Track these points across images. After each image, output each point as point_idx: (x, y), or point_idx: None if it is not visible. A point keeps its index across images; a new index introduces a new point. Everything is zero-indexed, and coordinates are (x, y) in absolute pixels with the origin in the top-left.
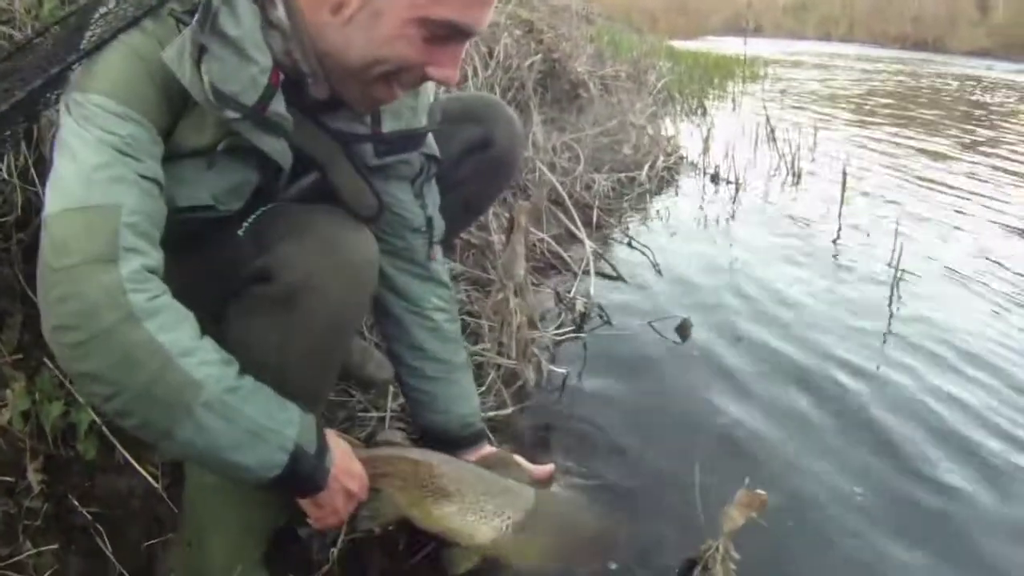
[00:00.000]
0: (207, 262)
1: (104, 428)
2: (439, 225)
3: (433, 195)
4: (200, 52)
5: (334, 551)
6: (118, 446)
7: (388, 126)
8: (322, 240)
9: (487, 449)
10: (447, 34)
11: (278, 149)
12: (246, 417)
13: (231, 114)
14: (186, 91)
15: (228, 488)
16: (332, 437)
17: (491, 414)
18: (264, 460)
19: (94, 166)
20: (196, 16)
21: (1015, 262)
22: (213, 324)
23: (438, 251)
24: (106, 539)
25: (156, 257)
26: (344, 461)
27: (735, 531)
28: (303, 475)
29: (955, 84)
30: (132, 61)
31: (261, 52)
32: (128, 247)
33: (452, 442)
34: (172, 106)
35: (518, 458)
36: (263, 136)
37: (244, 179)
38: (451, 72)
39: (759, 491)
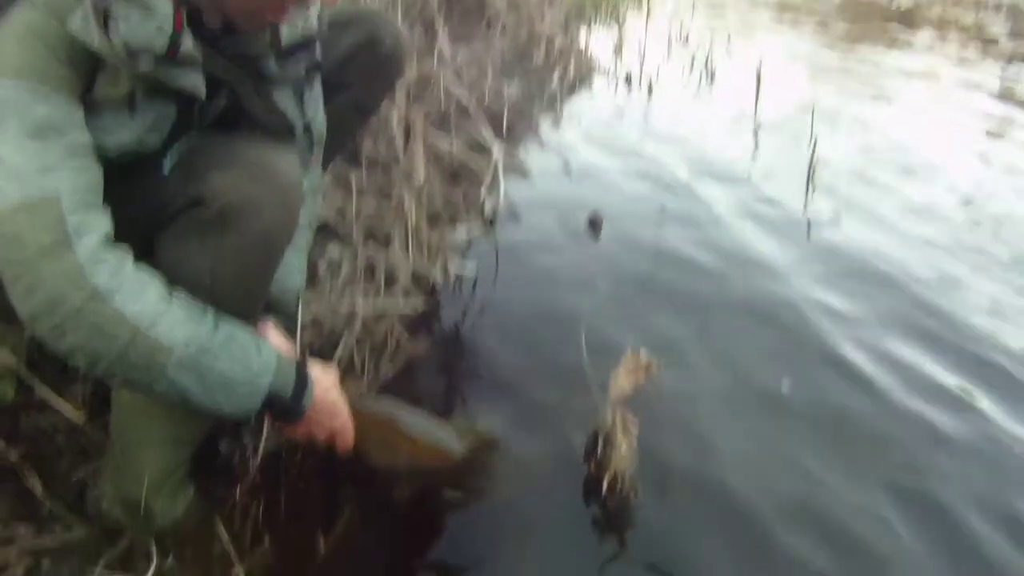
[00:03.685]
0: (135, 202)
1: (22, 368)
2: (319, 130)
3: (314, 101)
4: (104, 16)
5: (254, 462)
6: (37, 384)
7: (287, 38)
8: (250, 164)
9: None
10: None
11: (193, 83)
12: (218, 372)
13: (146, 65)
14: (93, 54)
15: (154, 408)
16: (322, 376)
17: (404, 308)
18: (239, 406)
19: (20, 162)
20: None
21: (922, 153)
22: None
23: (319, 153)
24: (35, 478)
25: (106, 222)
26: (324, 404)
27: (623, 397)
28: (278, 414)
29: None
30: (29, 40)
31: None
32: (77, 229)
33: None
34: (81, 71)
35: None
36: (178, 74)
37: (164, 115)
38: None
39: (643, 354)
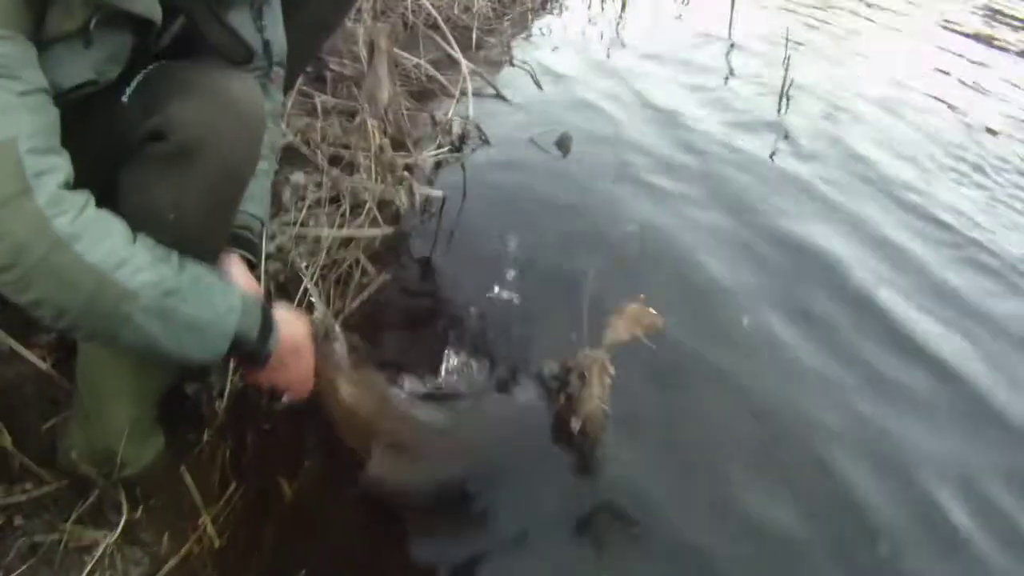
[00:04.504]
0: (95, 137)
1: None
2: (278, 48)
3: (273, 15)
4: None
5: (220, 404)
6: (0, 334)
7: None
8: (210, 93)
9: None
10: None
11: (148, 7)
12: (184, 315)
13: None
14: None
15: (120, 354)
16: (288, 318)
17: (370, 233)
18: (205, 349)
19: None
20: None
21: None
22: (110, 198)
23: (278, 73)
24: (3, 432)
25: (65, 166)
26: (290, 347)
27: (617, 344)
28: (244, 356)
29: None
30: None
31: None
32: (36, 172)
33: None
34: (32, 5)
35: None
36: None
37: (120, 44)
38: None
39: (652, 310)
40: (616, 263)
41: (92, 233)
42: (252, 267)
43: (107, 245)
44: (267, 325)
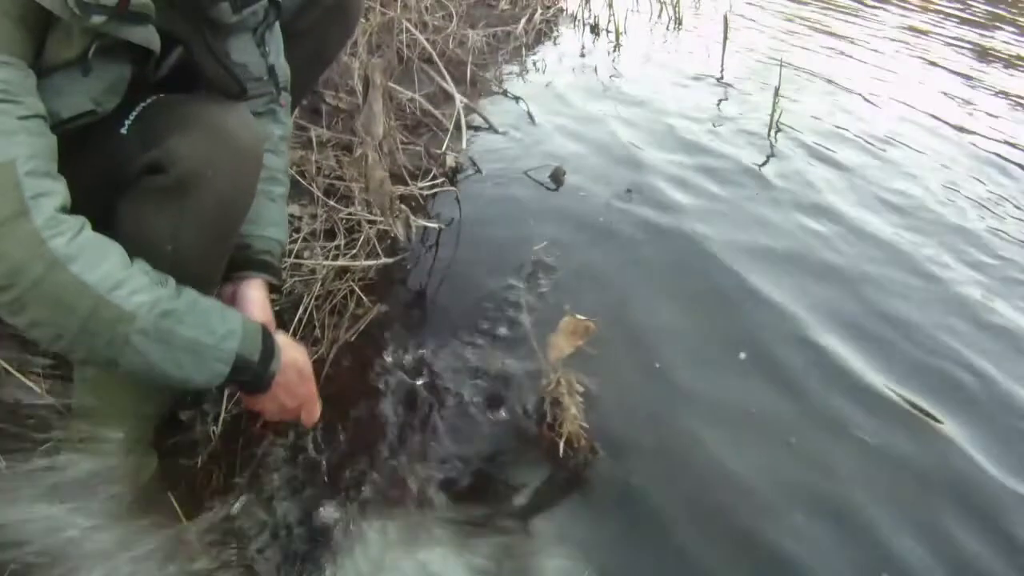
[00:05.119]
0: (93, 166)
1: None
2: (283, 73)
3: (276, 42)
4: None
5: (215, 430)
6: None
7: None
8: (209, 128)
9: (260, 285)
10: None
11: (146, 36)
12: (182, 337)
13: (98, 19)
14: (43, 11)
15: (117, 382)
16: (289, 343)
17: (366, 263)
18: (206, 372)
19: None
20: None
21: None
22: (107, 228)
23: (285, 98)
24: None
25: (62, 191)
26: (293, 371)
27: (561, 359)
28: (245, 381)
29: None
30: None
31: None
32: (33, 195)
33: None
34: (33, 32)
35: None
36: (131, 28)
37: (119, 75)
38: None
39: (581, 317)
40: (604, 295)
41: (89, 255)
42: (276, 289)
43: (104, 267)
44: (268, 349)
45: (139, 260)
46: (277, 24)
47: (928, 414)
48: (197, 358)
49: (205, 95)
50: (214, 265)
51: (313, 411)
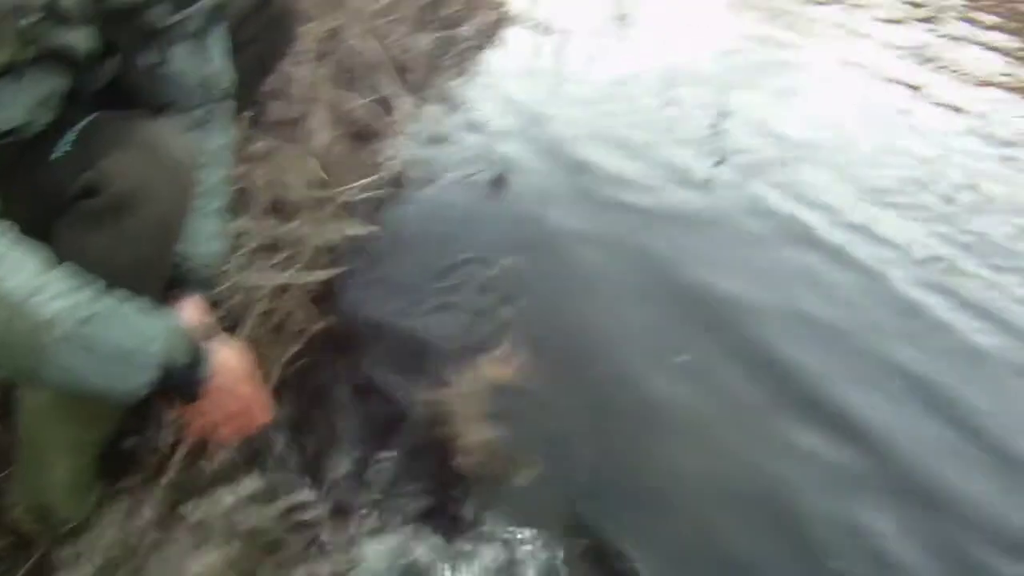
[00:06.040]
0: (24, 190)
1: None
2: (228, 80)
3: (220, 45)
4: None
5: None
6: None
7: None
8: (144, 147)
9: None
10: None
11: (81, 38)
12: (106, 344)
13: (31, 18)
14: None
15: (60, 408)
16: (225, 346)
17: (305, 279)
18: (133, 380)
19: None
20: None
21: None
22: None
23: (230, 105)
24: None
25: None
26: (227, 369)
27: (484, 388)
28: (177, 387)
29: None
30: None
31: None
32: None
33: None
34: None
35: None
36: (66, 32)
37: (54, 87)
38: None
39: (510, 351)
40: (545, 304)
41: (7, 263)
42: (216, 305)
43: (22, 273)
44: (197, 351)
45: (65, 265)
46: (223, 29)
47: (865, 416)
48: (123, 365)
49: (140, 112)
50: (152, 286)
51: (261, 410)
